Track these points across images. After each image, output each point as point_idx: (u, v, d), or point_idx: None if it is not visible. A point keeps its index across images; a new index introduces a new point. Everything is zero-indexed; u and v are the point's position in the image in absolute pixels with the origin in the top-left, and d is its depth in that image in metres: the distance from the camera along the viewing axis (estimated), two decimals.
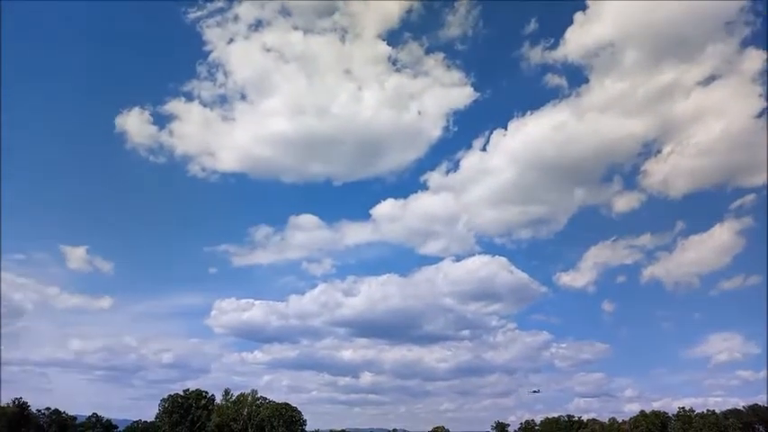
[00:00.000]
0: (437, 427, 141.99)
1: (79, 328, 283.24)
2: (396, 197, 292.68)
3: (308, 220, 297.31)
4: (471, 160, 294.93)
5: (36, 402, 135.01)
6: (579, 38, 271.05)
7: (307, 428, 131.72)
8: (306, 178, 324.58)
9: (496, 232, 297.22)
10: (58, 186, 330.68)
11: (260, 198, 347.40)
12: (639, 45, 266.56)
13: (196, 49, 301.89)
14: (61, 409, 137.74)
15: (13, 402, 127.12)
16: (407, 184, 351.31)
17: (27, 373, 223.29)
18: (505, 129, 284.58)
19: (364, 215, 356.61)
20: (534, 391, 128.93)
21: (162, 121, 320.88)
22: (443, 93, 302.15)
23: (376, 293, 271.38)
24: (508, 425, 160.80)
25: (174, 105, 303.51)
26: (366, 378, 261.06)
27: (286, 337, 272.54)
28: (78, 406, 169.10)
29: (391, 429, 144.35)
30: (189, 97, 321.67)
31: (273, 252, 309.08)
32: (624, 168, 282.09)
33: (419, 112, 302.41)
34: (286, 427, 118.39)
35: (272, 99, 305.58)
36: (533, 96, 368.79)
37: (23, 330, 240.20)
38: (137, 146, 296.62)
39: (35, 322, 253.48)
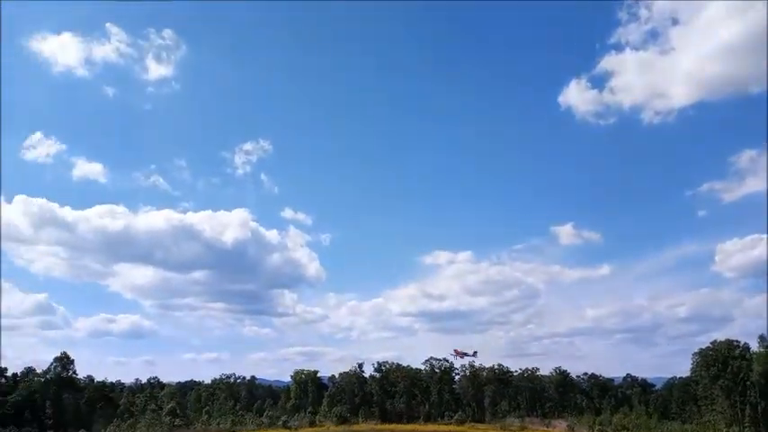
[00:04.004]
0: None
1: (588, 298, 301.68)
2: None
3: None
4: None
5: (573, 369, 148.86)
6: None
7: None
8: None
9: None
10: (541, 174, 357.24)
11: (730, 121, 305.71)
12: None
13: None
14: (597, 373, 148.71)
15: (555, 371, 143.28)
16: None
17: (557, 344, 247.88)
18: None
19: None
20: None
21: (599, 82, 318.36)
22: None
23: None
24: None
25: (606, 62, 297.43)
26: None
27: None
28: (611, 368, 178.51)
29: None
30: (618, 48, 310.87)
31: None
32: None
33: None
34: None
35: (709, 8, 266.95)
36: None
37: (543, 308, 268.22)
38: (584, 115, 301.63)
39: (550, 299, 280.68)
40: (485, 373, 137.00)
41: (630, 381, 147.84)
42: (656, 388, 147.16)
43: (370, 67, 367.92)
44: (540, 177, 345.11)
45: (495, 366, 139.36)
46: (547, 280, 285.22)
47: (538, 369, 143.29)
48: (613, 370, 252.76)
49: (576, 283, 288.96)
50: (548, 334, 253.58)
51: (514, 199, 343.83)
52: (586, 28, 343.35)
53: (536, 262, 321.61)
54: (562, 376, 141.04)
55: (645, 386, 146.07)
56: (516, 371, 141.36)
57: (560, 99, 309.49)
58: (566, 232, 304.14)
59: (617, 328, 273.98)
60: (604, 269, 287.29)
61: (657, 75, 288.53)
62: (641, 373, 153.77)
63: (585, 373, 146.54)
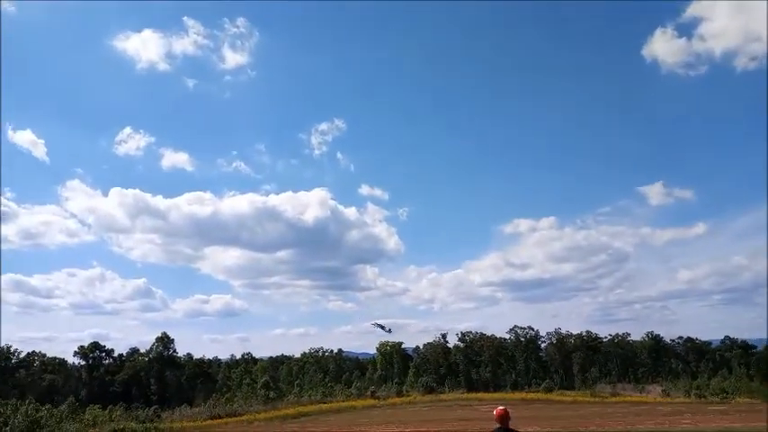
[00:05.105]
0: None
1: (682, 259, 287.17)
2: None
3: None
4: None
5: (667, 333, 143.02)
6: None
7: None
8: None
9: None
10: (625, 133, 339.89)
11: None
12: None
13: None
14: (692, 337, 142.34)
15: (647, 336, 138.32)
16: None
17: (649, 308, 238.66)
18: None
19: None
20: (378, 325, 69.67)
21: (687, 30, 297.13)
22: None
23: None
24: None
25: (694, 8, 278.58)
26: None
27: None
28: (708, 331, 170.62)
29: None
30: None
31: None
32: None
33: None
34: None
35: None
36: None
37: (633, 272, 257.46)
38: (671, 67, 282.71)
39: (640, 263, 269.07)
40: (572, 340, 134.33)
41: (729, 343, 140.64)
42: (758, 349, 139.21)
43: (441, 37, 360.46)
44: (625, 136, 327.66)
45: (584, 333, 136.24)
46: (636, 243, 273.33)
47: (629, 334, 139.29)
48: (711, 333, 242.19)
49: (667, 245, 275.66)
50: (638, 298, 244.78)
51: (597, 160, 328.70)
52: None
53: (624, 224, 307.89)
54: (655, 341, 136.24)
55: (745, 348, 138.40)
56: (606, 337, 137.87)
57: (644, 51, 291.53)
58: (655, 191, 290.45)
59: (714, 289, 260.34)
60: (699, 228, 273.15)
61: (750, 17, 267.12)
62: (741, 334, 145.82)
63: (680, 337, 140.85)
